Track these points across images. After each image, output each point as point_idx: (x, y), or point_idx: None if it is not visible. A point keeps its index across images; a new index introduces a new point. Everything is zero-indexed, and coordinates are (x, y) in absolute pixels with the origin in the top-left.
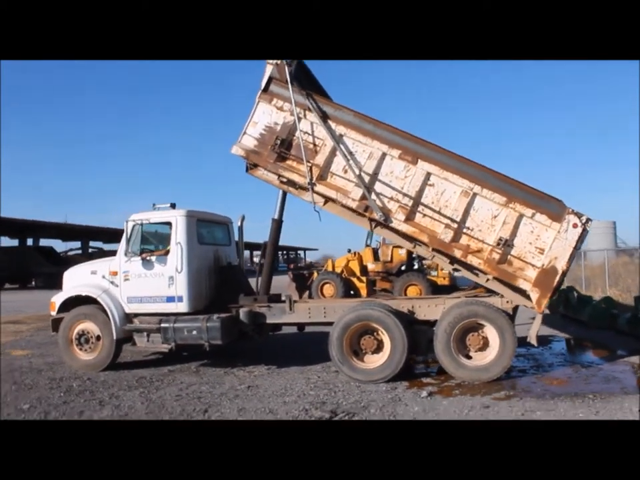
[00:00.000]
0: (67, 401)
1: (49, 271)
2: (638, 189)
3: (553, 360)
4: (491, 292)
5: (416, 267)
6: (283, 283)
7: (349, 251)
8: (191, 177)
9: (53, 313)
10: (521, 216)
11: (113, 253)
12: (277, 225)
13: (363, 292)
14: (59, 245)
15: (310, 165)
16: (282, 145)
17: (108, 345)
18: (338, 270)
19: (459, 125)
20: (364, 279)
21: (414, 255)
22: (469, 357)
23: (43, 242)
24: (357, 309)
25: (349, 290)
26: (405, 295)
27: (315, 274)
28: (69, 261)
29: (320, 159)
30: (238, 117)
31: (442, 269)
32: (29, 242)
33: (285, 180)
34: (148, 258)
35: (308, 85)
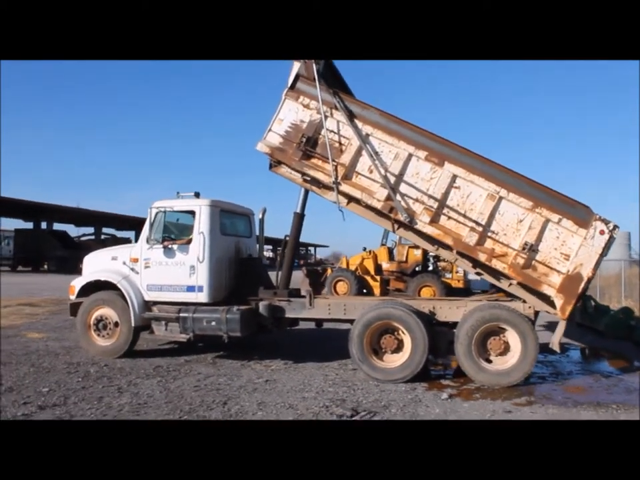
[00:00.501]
0: (85, 386)
1: (62, 254)
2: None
3: (572, 368)
4: (512, 296)
5: (430, 268)
6: (295, 279)
7: (364, 249)
8: (205, 167)
9: (72, 297)
10: (547, 221)
11: (125, 240)
12: (299, 219)
13: (377, 291)
14: (71, 230)
15: (335, 163)
16: (307, 143)
17: (126, 332)
18: (352, 268)
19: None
20: (378, 277)
21: (429, 256)
22: (489, 361)
23: (56, 226)
24: (379, 307)
25: (362, 288)
26: (419, 295)
27: (329, 270)
28: (82, 246)
29: (345, 158)
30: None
31: (457, 272)
32: (43, 225)
33: (308, 178)
34: (170, 246)
35: (334, 83)
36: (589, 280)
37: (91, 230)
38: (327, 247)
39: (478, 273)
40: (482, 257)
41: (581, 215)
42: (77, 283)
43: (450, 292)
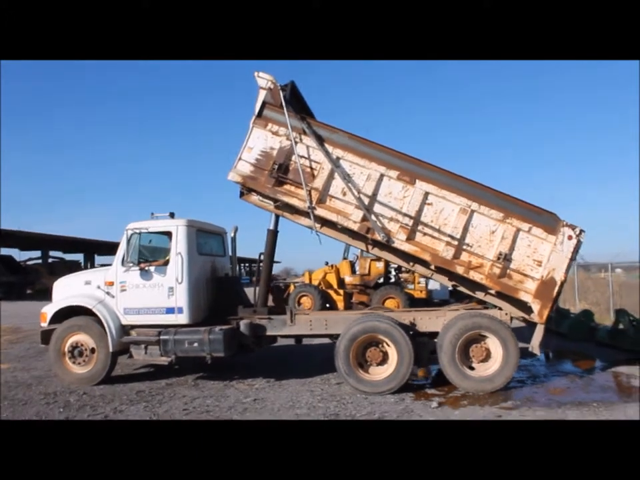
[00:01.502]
0: (68, 416)
1: (8, 280)
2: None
3: (545, 371)
4: (486, 305)
5: (392, 280)
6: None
7: (327, 263)
8: (149, 189)
9: (44, 324)
10: (518, 230)
11: (74, 263)
12: (273, 235)
13: (340, 305)
14: (16, 254)
15: (309, 188)
16: (279, 170)
17: (103, 358)
18: (315, 282)
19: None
20: (341, 291)
21: (390, 268)
22: (472, 368)
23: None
24: (364, 320)
25: (326, 303)
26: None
27: (292, 286)
28: (29, 271)
29: (318, 183)
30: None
31: (419, 282)
32: None
33: (280, 205)
34: (147, 268)
35: (298, 107)
36: (562, 283)
37: (37, 253)
38: (280, 262)
39: (454, 286)
40: (459, 270)
41: (549, 222)
42: (49, 309)
43: (412, 302)
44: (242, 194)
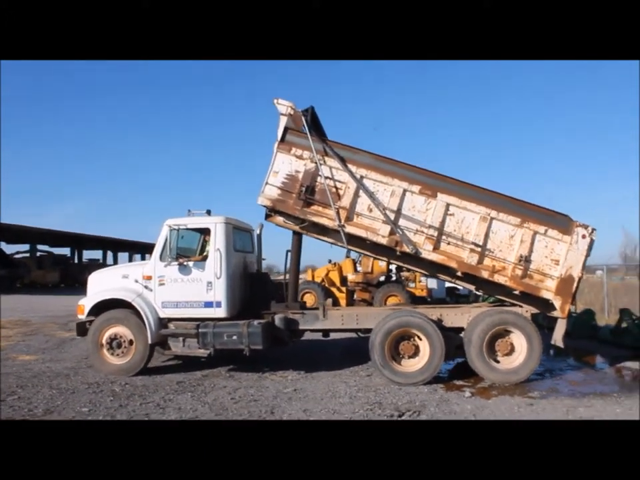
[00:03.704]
0: (122, 404)
1: None
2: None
3: (560, 365)
4: (503, 304)
5: (394, 278)
6: None
7: (330, 261)
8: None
9: (81, 317)
10: (535, 233)
11: (63, 258)
12: (298, 238)
13: (343, 302)
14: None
15: (337, 208)
16: (307, 192)
17: (142, 350)
18: (318, 280)
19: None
20: (344, 289)
21: (391, 267)
22: (497, 361)
23: None
24: (398, 315)
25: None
26: (385, 304)
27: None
28: (18, 264)
29: (345, 202)
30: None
31: (420, 281)
32: None
33: (307, 224)
34: (185, 263)
35: (318, 131)
36: (580, 279)
37: (24, 247)
38: (264, 259)
39: (477, 289)
40: (485, 274)
41: (563, 223)
42: (87, 302)
43: (414, 300)
44: (267, 216)
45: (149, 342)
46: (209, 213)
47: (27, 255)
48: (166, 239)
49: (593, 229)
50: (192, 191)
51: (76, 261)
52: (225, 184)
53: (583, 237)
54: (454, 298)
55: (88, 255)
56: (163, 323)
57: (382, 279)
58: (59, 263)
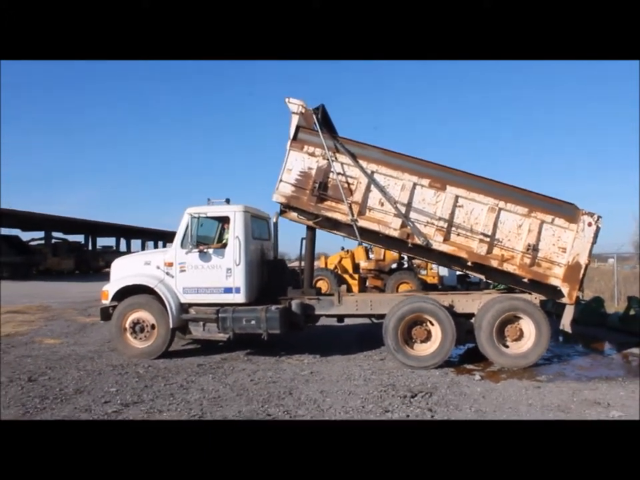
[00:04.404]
0: (147, 385)
1: (15, 260)
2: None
3: (568, 351)
4: (511, 290)
5: (406, 265)
6: None
7: (342, 248)
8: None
9: (105, 302)
10: (542, 222)
11: (77, 245)
12: (313, 231)
13: (355, 289)
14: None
15: (349, 203)
16: (320, 188)
17: (164, 334)
18: (331, 267)
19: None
20: (356, 276)
21: (404, 254)
22: (506, 346)
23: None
24: (411, 301)
25: (340, 286)
26: (397, 291)
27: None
28: (34, 251)
29: (357, 196)
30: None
31: (431, 269)
32: None
33: (320, 219)
34: (205, 250)
35: (329, 128)
36: (587, 266)
37: (38, 234)
38: None
39: (487, 278)
40: (494, 263)
41: (569, 212)
42: (111, 287)
43: (425, 287)
44: (282, 212)
45: (171, 326)
46: (227, 201)
47: (42, 242)
48: (187, 227)
49: (599, 217)
50: (201, 178)
51: (90, 248)
52: (235, 172)
53: (589, 224)
54: (465, 285)
55: (101, 242)
56: (183, 308)
57: (394, 266)
58: (74, 250)
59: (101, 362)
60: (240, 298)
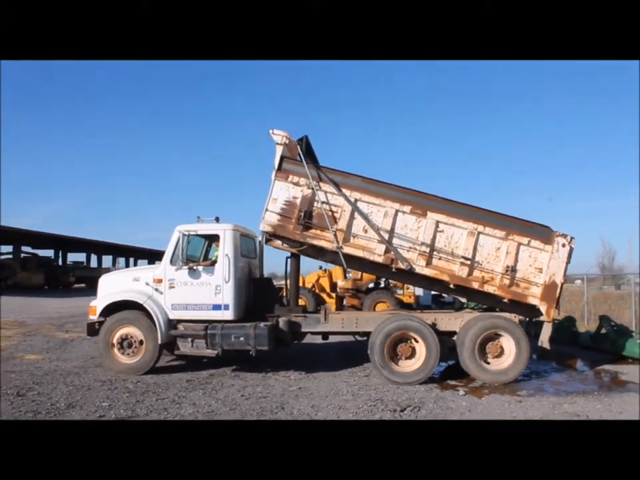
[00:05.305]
0: (139, 400)
1: None
2: None
3: (545, 368)
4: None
5: (382, 285)
6: None
7: (320, 267)
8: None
9: (93, 317)
10: (519, 244)
11: (47, 260)
12: (297, 255)
13: (332, 308)
14: None
15: (334, 230)
16: (305, 217)
17: (152, 349)
18: (308, 285)
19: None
20: (334, 295)
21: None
22: (487, 363)
23: None
24: (397, 319)
25: (318, 305)
26: (374, 310)
27: (285, 289)
28: (3, 265)
29: (342, 224)
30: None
31: (407, 288)
32: None
33: (306, 247)
34: (195, 267)
35: (312, 158)
36: (562, 285)
37: (7, 248)
38: None
39: (469, 299)
40: (475, 285)
41: (544, 234)
42: (99, 303)
43: (402, 306)
44: (267, 240)
45: (159, 342)
46: (217, 220)
47: (10, 256)
48: (177, 244)
49: (572, 238)
50: (178, 194)
51: (60, 263)
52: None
53: (563, 245)
54: (439, 305)
55: (72, 257)
56: (172, 324)
57: (371, 285)
58: (43, 265)
59: (88, 377)
60: (229, 315)
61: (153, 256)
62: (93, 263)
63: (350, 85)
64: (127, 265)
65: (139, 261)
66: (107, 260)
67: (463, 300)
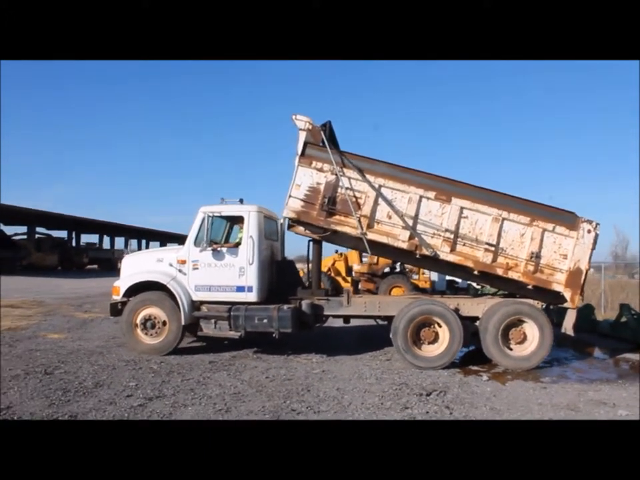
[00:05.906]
0: (164, 380)
1: (1, 255)
2: None
3: (565, 355)
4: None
5: (398, 270)
6: None
7: (336, 251)
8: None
9: (116, 297)
10: (544, 230)
11: (61, 241)
12: (319, 242)
13: None
14: None
15: (358, 216)
16: (329, 203)
17: (175, 330)
18: (324, 269)
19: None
20: (349, 279)
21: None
22: (510, 349)
23: None
24: (420, 304)
25: (334, 289)
26: (390, 295)
27: (302, 272)
28: (19, 246)
29: (366, 210)
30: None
31: (423, 273)
32: None
33: (328, 233)
34: (219, 249)
35: (334, 143)
36: (587, 272)
37: (21, 229)
38: None
39: (491, 286)
40: (499, 272)
41: (569, 220)
42: (122, 284)
43: (418, 291)
44: (290, 226)
45: (182, 323)
46: (241, 201)
47: (25, 237)
48: (201, 225)
49: (597, 224)
50: (190, 179)
51: (74, 244)
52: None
53: (589, 231)
54: (453, 290)
55: (85, 238)
56: (195, 305)
57: (387, 270)
58: (58, 246)
59: (111, 357)
60: (252, 297)
61: (166, 238)
62: (106, 244)
63: (350, 85)
64: (140, 247)
65: (151, 243)
66: (119, 241)
67: (478, 287)
